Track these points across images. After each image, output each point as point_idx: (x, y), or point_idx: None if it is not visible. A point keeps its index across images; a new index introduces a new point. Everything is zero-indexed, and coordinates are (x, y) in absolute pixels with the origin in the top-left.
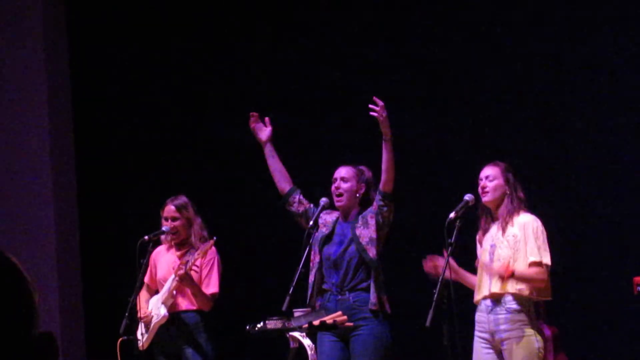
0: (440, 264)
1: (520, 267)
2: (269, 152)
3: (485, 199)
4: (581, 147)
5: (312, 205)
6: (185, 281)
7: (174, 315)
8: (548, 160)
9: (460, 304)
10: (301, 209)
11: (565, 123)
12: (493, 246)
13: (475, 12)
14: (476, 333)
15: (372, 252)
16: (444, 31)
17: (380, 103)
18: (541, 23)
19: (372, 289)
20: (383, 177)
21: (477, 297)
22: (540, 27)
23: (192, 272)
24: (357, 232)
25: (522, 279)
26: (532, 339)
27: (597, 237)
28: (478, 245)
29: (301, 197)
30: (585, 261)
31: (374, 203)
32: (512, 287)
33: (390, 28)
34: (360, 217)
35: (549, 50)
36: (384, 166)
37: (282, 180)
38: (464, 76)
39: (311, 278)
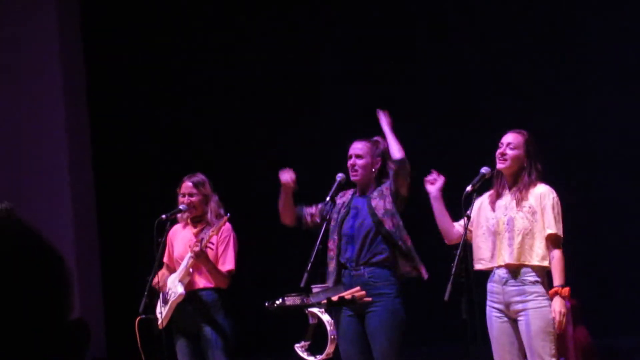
0: (438, 183)
1: (537, 239)
2: (290, 196)
3: (501, 165)
4: (604, 122)
5: (320, 204)
6: (201, 258)
7: (192, 294)
8: (569, 134)
9: (479, 277)
10: (317, 219)
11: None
12: (511, 219)
13: None
14: (489, 303)
15: (388, 224)
16: (457, 9)
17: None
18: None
19: (397, 261)
20: (389, 148)
21: (489, 264)
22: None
23: (208, 250)
24: (373, 203)
25: (562, 268)
26: (548, 310)
27: (618, 209)
28: (488, 208)
29: (308, 210)
30: (605, 233)
31: (390, 172)
32: (532, 259)
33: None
34: (376, 190)
35: (575, 27)
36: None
37: (288, 217)
38: (487, 46)
39: (332, 262)
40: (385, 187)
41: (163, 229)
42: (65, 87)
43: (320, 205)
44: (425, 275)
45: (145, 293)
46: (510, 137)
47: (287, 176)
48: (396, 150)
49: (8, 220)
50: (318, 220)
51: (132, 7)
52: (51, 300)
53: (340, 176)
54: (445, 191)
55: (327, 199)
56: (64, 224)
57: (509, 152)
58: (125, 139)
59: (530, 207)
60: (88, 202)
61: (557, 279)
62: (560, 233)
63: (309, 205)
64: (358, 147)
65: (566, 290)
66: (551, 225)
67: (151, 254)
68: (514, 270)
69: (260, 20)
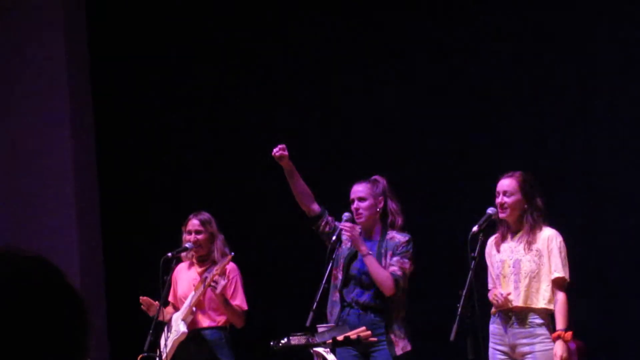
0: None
1: (544, 282)
2: (294, 174)
3: (503, 215)
4: (604, 149)
5: (337, 223)
6: (218, 296)
7: (194, 332)
8: (568, 165)
9: (484, 317)
10: (328, 228)
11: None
12: (517, 261)
13: (500, 13)
14: (493, 345)
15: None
16: (462, 36)
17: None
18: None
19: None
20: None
21: (494, 308)
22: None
23: (211, 288)
24: (382, 262)
25: (566, 312)
26: (552, 353)
27: (622, 248)
28: (494, 250)
29: (329, 218)
30: (610, 273)
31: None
32: (539, 302)
33: (410, 39)
34: (385, 242)
35: (572, 51)
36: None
37: (309, 200)
38: (483, 82)
39: (336, 295)
40: (390, 252)
41: (168, 267)
42: (72, 122)
43: (336, 224)
44: (406, 349)
45: (150, 331)
46: (505, 185)
47: (276, 150)
48: (383, 288)
49: (27, 258)
50: (328, 229)
51: (141, 14)
52: (67, 342)
53: (346, 215)
54: (448, 231)
55: (334, 238)
56: (70, 262)
57: (507, 200)
58: (131, 176)
59: (537, 251)
60: (94, 239)
61: (561, 322)
62: (567, 276)
63: (330, 215)
64: (359, 189)
65: (569, 334)
66: (558, 268)
67: (157, 292)
68: (521, 313)
69: (266, 28)
